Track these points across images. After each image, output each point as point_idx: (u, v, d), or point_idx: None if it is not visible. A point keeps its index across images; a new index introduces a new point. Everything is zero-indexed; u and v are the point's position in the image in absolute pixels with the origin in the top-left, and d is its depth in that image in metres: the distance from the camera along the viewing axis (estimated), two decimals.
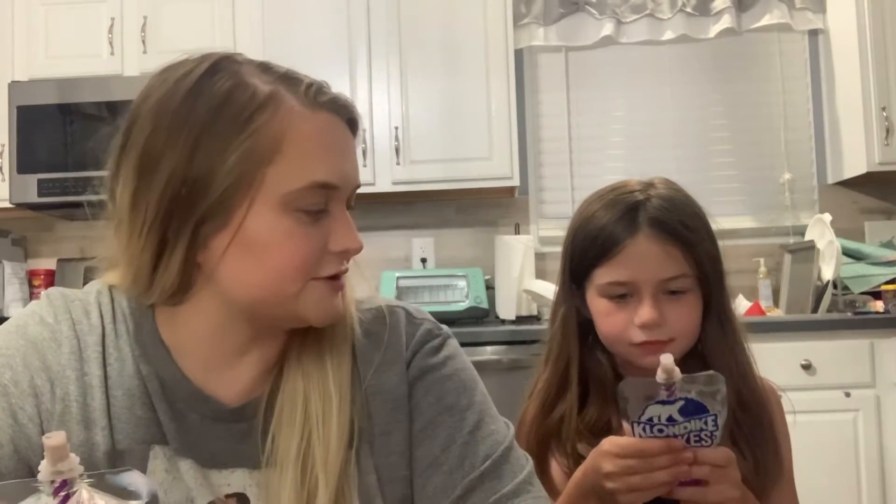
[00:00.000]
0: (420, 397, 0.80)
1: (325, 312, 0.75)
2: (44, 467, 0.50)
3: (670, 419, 0.84)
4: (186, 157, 0.69)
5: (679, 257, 0.98)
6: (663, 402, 0.84)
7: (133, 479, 0.52)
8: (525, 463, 0.79)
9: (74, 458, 0.50)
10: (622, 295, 0.99)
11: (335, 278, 0.75)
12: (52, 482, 0.50)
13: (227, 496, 0.75)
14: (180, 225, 0.70)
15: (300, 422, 0.74)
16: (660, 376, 0.83)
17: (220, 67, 0.72)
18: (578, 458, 0.97)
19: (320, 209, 0.72)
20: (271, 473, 0.74)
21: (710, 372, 0.85)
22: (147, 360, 0.75)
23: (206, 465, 0.75)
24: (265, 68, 0.74)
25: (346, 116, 0.76)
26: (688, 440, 0.85)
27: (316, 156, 0.72)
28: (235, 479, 0.76)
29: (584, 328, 1.06)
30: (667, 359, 0.82)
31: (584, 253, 1.02)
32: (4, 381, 0.71)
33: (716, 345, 1.01)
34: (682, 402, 0.83)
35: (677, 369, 0.83)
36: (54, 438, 0.50)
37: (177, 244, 0.70)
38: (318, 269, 0.73)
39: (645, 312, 0.97)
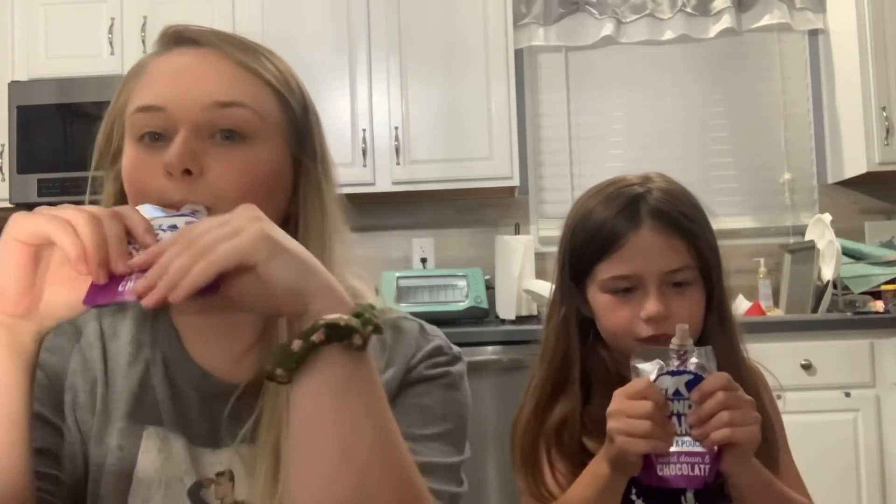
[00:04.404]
0: (403, 396, 0.78)
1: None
2: None
3: (677, 393, 0.86)
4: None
5: (682, 249, 0.98)
6: (672, 374, 0.86)
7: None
8: (459, 487, 0.76)
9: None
10: (626, 289, 0.98)
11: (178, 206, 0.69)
12: None
13: (218, 474, 0.76)
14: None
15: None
16: (674, 342, 0.86)
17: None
18: (584, 456, 0.97)
19: (155, 133, 0.72)
20: (253, 450, 0.74)
21: (706, 346, 0.88)
22: (153, 344, 0.78)
23: (198, 443, 0.76)
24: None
25: (190, 44, 0.78)
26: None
27: (144, 86, 0.74)
28: (226, 458, 0.76)
29: (584, 327, 1.05)
30: (682, 326, 0.86)
31: (585, 249, 1.01)
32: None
33: (716, 338, 1.00)
34: (689, 377, 0.86)
35: (690, 339, 0.86)
36: None
37: None
38: (156, 193, 0.70)
39: (651, 306, 0.96)
